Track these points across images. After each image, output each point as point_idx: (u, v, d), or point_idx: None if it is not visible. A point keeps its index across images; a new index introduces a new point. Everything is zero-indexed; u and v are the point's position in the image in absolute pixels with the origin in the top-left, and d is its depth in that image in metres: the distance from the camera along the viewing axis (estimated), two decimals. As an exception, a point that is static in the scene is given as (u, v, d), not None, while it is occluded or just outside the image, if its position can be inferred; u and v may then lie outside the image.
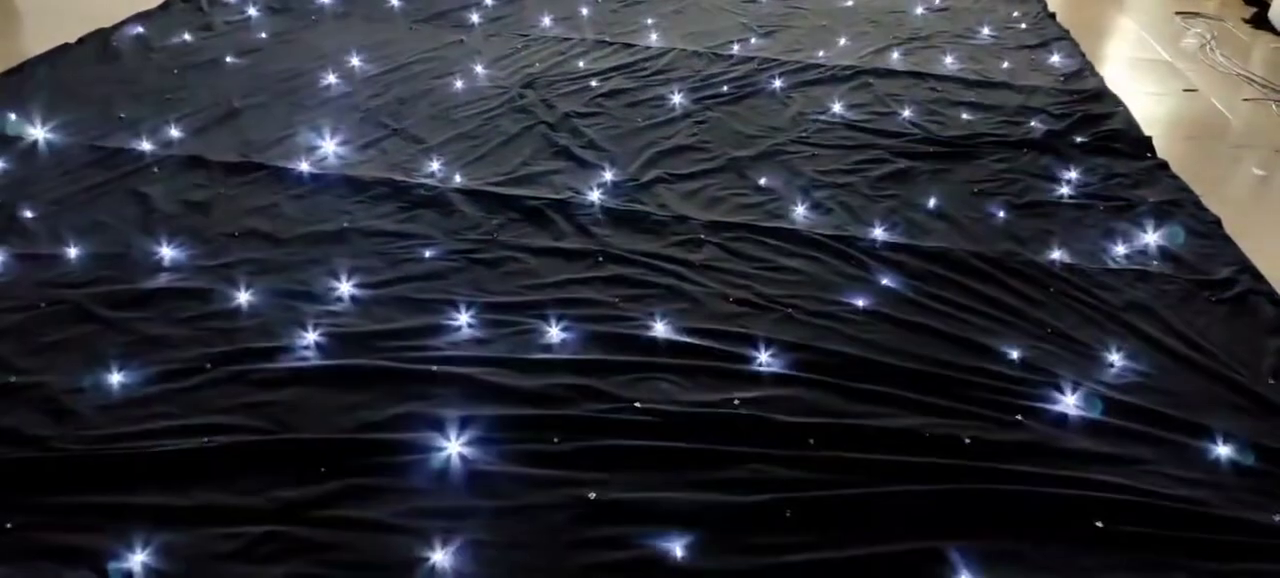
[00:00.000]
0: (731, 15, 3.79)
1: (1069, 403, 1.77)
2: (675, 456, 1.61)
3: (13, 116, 2.62)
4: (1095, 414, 1.75)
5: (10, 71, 2.91)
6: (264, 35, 3.34)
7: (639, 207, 2.37)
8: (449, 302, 1.96)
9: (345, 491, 1.50)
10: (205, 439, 1.57)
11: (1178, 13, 4.23)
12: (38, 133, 2.54)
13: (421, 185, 2.41)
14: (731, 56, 3.34)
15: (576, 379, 1.76)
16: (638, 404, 1.70)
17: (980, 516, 1.52)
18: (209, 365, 1.75)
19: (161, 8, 3.49)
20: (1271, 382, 1.86)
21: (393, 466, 1.56)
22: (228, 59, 3.13)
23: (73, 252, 2.07)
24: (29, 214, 2.20)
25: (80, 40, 3.16)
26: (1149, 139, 2.84)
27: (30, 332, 1.83)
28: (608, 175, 2.51)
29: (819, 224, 2.34)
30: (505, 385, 1.74)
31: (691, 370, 1.81)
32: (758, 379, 1.80)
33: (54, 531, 1.41)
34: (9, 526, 1.41)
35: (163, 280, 2.00)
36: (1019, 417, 1.73)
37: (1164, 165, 2.71)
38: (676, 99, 2.99)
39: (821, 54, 3.41)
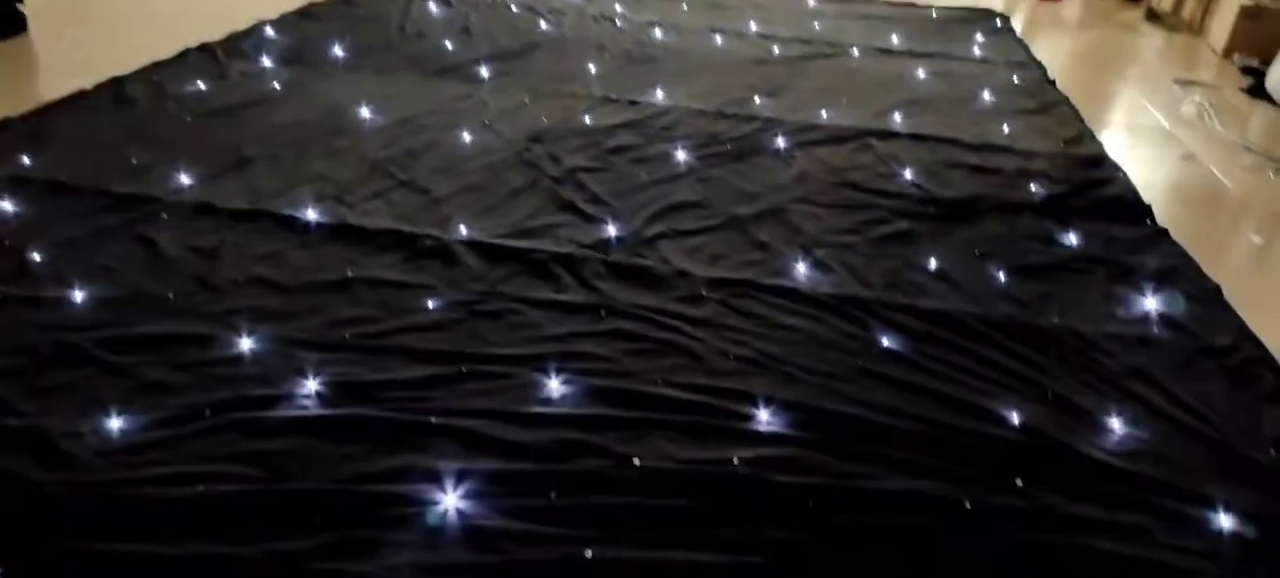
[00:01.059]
0: (737, 75, 3.85)
1: (1070, 468, 1.76)
2: (673, 514, 1.60)
3: (27, 160, 2.66)
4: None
5: (27, 116, 2.96)
6: (277, 86, 3.40)
7: (641, 261, 2.39)
8: (451, 353, 1.97)
9: (340, 543, 1.50)
10: (200, 488, 1.57)
11: (1176, 81, 4.29)
12: (51, 177, 2.58)
13: (427, 236, 2.43)
14: (736, 116, 3.39)
15: (575, 434, 1.76)
16: (636, 461, 1.70)
17: (980, 582, 1.51)
18: (208, 413, 1.75)
19: (177, 57, 3.56)
20: (1273, 452, 1.85)
21: (389, 518, 1.55)
22: (240, 108, 3.19)
23: (78, 295, 2.09)
24: (37, 257, 2.23)
25: (97, 87, 3.22)
26: (1148, 206, 2.87)
27: (31, 374, 1.84)
28: (611, 230, 2.53)
29: (820, 283, 2.36)
30: (504, 439, 1.74)
31: (691, 427, 1.81)
32: (757, 438, 1.79)
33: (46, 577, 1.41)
34: (0, 571, 1.41)
35: (166, 326, 2.01)
36: (1019, 481, 1.72)
37: (1164, 232, 2.73)
38: (681, 156, 3.03)
39: (825, 115, 3.46)
